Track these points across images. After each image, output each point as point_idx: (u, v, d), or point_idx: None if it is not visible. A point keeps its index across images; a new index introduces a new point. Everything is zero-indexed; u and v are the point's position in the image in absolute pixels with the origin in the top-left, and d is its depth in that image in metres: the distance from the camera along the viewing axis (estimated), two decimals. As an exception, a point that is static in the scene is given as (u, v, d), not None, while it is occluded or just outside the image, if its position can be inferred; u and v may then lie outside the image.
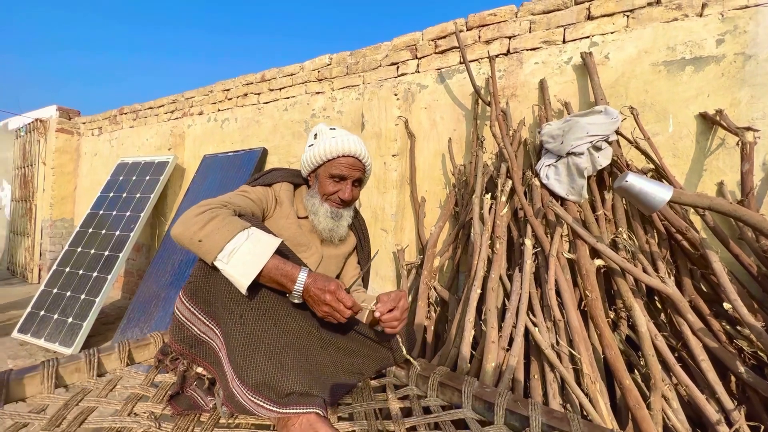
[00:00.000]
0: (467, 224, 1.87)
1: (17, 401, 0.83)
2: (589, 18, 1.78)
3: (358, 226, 1.22)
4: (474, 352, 1.36)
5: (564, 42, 1.85)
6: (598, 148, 1.53)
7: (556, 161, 1.62)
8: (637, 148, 1.59)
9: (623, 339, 1.32)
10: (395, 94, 2.26)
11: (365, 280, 1.25)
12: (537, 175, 1.68)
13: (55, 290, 3.15)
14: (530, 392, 1.22)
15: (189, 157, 3.65)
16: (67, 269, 3.27)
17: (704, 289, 1.39)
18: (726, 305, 1.16)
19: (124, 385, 0.92)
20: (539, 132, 1.72)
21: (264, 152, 2.99)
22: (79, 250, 3.37)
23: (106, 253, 3.19)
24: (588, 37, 1.79)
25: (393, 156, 2.23)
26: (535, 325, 1.30)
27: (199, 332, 0.89)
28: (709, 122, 1.54)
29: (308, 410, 0.74)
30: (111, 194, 3.65)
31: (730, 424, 1.05)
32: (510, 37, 1.99)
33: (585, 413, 1.08)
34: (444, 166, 2.19)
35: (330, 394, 0.85)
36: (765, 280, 1.30)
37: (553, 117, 1.81)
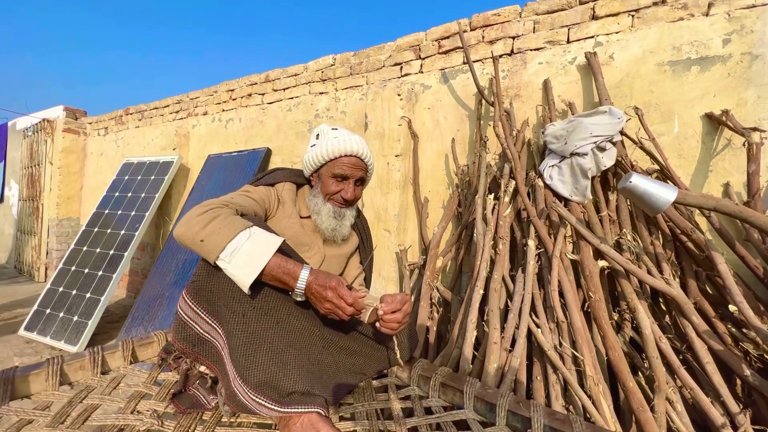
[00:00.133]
0: (470, 225, 1.87)
1: (22, 398, 0.84)
2: (594, 18, 1.77)
3: (360, 225, 1.22)
4: (476, 353, 1.36)
5: (568, 42, 1.84)
6: (602, 149, 1.52)
7: (559, 162, 1.61)
8: (642, 148, 1.58)
9: (627, 341, 1.31)
10: (399, 95, 2.26)
11: (367, 281, 1.25)
12: (540, 175, 1.67)
13: (61, 289, 3.18)
14: (533, 394, 1.22)
15: (193, 157, 3.67)
16: (73, 268, 3.29)
17: (710, 291, 1.38)
18: (732, 307, 1.15)
19: (127, 383, 0.93)
20: (543, 132, 1.72)
21: (268, 152, 3.00)
22: (84, 249, 3.40)
23: (111, 252, 3.22)
24: (592, 37, 1.78)
25: (396, 156, 2.23)
26: (537, 326, 1.29)
27: (201, 331, 0.89)
28: (715, 123, 1.52)
29: (310, 410, 0.74)
30: (116, 194, 3.68)
31: (735, 427, 1.04)
32: (514, 38, 1.99)
33: (588, 415, 1.07)
34: (447, 167, 2.18)
35: (331, 394, 0.86)
36: (771, 282, 1.28)
37: (557, 117, 1.80)
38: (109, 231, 3.40)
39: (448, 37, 2.18)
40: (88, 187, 4.80)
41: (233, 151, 3.25)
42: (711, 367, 1.12)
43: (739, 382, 1.21)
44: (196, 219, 0.81)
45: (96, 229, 3.50)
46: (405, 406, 0.92)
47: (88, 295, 3.00)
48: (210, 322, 0.87)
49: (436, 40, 2.22)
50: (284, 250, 0.86)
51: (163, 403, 0.84)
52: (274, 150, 3.00)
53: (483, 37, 2.07)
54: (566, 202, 1.59)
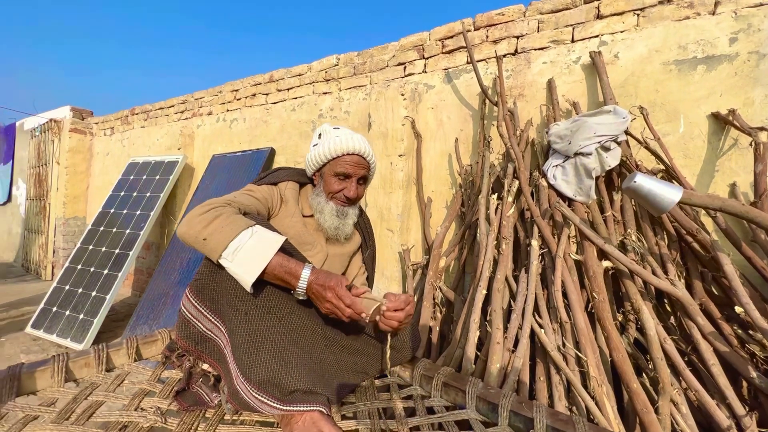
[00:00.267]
0: (473, 225, 1.86)
1: (28, 394, 0.85)
2: (599, 17, 1.76)
3: (363, 225, 1.22)
4: (479, 353, 1.36)
5: (573, 41, 1.83)
6: (606, 149, 1.51)
7: (563, 162, 1.61)
8: (647, 148, 1.57)
9: (631, 342, 1.30)
10: (402, 94, 2.26)
11: (369, 280, 1.26)
12: (544, 175, 1.66)
13: (67, 287, 3.21)
14: (535, 394, 1.21)
15: (198, 156, 3.69)
16: (79, 267, 3.33)
17: (715, 292, 1.36)
18: (738, 309, 1.14)
19: (131, 380, 0.94)
20: (547, 132, 1.71)
21: (272, 152, 3.01)
22: (90, 247, 3.43)
23: (117, 251, 3.25)
24: (597, 36, 1.77)
25: (399, 156, 2.23)
26: (541, 326, 1.29)
27: (204, 329, 0.90)
28: (721, 122, 1.51)
29: (312, 408, 0.74)
30: (122, 193, 3.72)
31: (741, 430, 1.03)
32: (518, 37, 1.98)
33: (591, 417, 1.07)
34: (450, 167, 2.18)
35: (334, 393, 0.86)
36: (779, 283, 1.27)
37: (561, 117, 1.79)
38: (114, 230, 3.43)
39: (451, 37, 2.18)
40: (94, 187, 4.84)
41: (237, 150, 3.26)
42: (716, 369, 1.11)
43: (745, 384, 1.20)
44: (199, 218, 0.82)
45: (102, 228, 3.53)
46: (407, 405, 0.92)
47: (93, 293, 3.03)
48: (213, 320, 0.87)
49: (439, 40, 2.22)
50: (287, 249, 0.87)
51: (167, 401, 0.85)
52: (278, 150, 3.01)
53: (487, 36, 2.07)
54: (570, 202, 1.58)
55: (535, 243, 1.46)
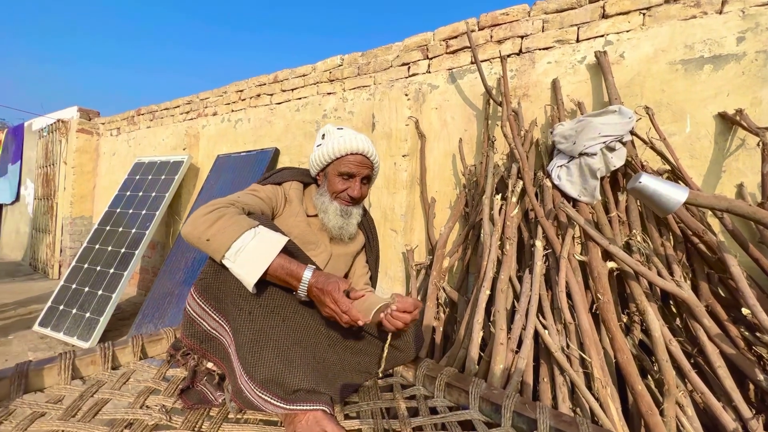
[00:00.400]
0: (477, 225, 1.86)
1: (36, 391, 0.86)
2: (604, 16, 1.75)
3: (366, 224, 1.22)
4: (482, 354, 1.35)
5: (578, 41, 1.82)
6: (611, 149, 1.50)
7: (568, 162, 1.60)
8: (653, 148, 1.56)
9: (636, 343, 1.29)
10: (406, 95, 2.26)
11: (373, 279, 1.26)
12: (548, 175, 1.66)
13: (73, 286, 3.24)
14: (539, 395, 1.21)
15: (203, 156, 3.71)
16: (86, 265, 3.36)
17: (722, 294, 1.35)
18: (744, 310, 1.13)
19: (137, 378, 0.95)
20: (551, 132, 1.70)
21: (276, 152, 3.02)
22: (96, 247, 3.46)
23: (123, 250, 3.28)
24: (602, 35, 1.76)
25: (403, 156, 2.23)
26: (545, 327, 1.28)
27: (209, 328, 0.90)
28: (728, 122, 1.50)
29: (315, 407, 0.74)
30: (128, 193, 3.75)
31: (747, 433, 1.02)
32: (522, 37, 1.97)
33: (595, 418, 1.06)
34: (454, 167, 2.18)
35: (337, 392, 0.86)
36: (786, 285, 1.25)
37: (566, 117, 1.78)
38: (120, 229, 3.46)
39: (455, 37, 2.18)
40: (101, 187, 4.89)
41: (242, 151, 3.28)
42: (723, 371, 1.10)
43: (752, 387, 1.18)
44: (203, 218, 0.82)
45: (108, 228, 3.56)
46: (410, 405, 0.92)
47: (99, 292, 3.06)
48: (217, 319, 0.88)
49: (443, 40, 2.22)
50: (290, 250, 0.87)
51: (172, 399, 0.85)
52: (282, 150, 3.02)
53: (491, 36, 2.06)
54: (575, 202, 1.57)
55: (539, 243, 1.45)
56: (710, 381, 1.17)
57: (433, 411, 0.91)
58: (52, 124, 5.05)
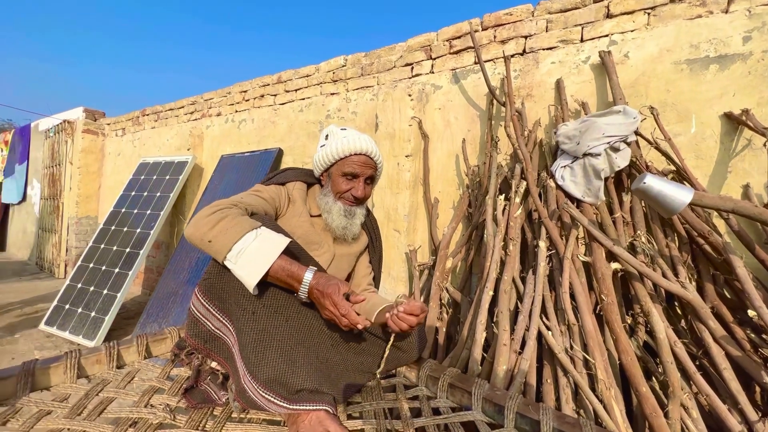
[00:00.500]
0: (480, 225, 1.86)
1: (42, 390, 0.87)
2: (608, 16, 1.75)
3: (370, 225, 1.22)
4: (485, 355, 1.35)
5: (582, 41, 1.81)
6: (615, 149, 1.49)
7: (572, 162, 1.59)
8: (658, 149, 1.55)
9: (640, 345, 1.29)
10: (409, 95, 2.26)
11: (376, 280, 1.26)
12: (552, 176, 1.65)
13: (79, 285, 3.27)
14: (542, 397, 1.20)
15: (207, 157, 3.73)
16: (91, 265, 3.39)
17: (728, 296, 1.34)
18: (751, 312, 1.12)
19: (141, 377, 0.95)
20: (555, 132, 1.70)
21: (279, 153, 3.03)
22: (102, 246, 3.49)
23: (128, 250, 3.30)
24: (607, 35, 1.75)
25: (406, 157, 2.23)
26: (548, 328, 1.28)
27: (213, 328, 0.91)
28: (734, 122, 1.48)
29: (318, 407, 0.74)
30: (133, 193, 3.77)
31: (753, 436, 1.01)
32: (526, 37, 1.97)
33: (599, 420, 1.06)
34: (458, 167, 2.17)
35: (340, 392, 0.86)
36: (793, 287, 1.24)
37: (570, 117, 1.77)
38: (125, 229, 3.49)
39: (459, 37, 2.17)
40: (106, 187, 4.92)
41: (246, 151, 3.30)
42: (728, 374, 1.09)
43: (758, 389, 1.17)
44: (205, 220, 0.83)
45: (113, 228, 3.59)
46: (413, 406, 0.92)
47: (105, 291, 3.08)
48: (221, 319, 0.89)
49: (447, 41, 2.22)
50: (292, 250, 0.87)
51: (176, 398, 0.86)
52: (286, 150, 3.03)
53: (495, 36, 2.06)
54: (578, 203, 1.57)
55: (542, 244, 1.45)
56: (716, 383, 1.16)
57: (436, 412, 0.91)
58: (58, 125, 5.10)
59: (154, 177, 3.74)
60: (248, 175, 3.06)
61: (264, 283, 0.82)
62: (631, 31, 1.70)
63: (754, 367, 1.10)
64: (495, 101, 2.00)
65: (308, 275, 0.82)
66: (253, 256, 0.80)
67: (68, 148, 4.93)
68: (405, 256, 2.19)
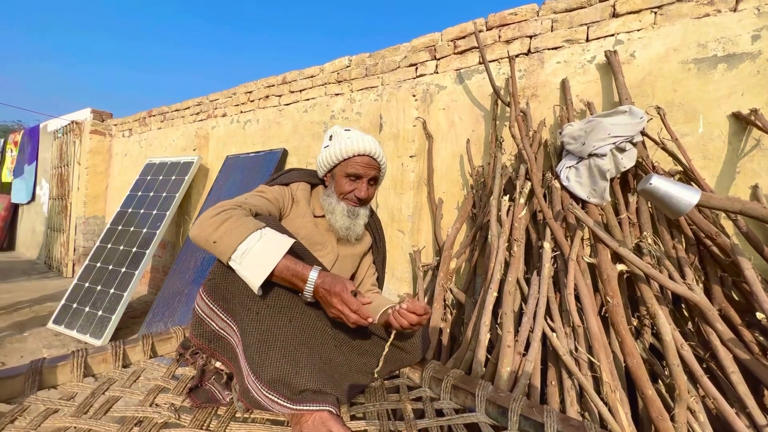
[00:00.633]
0: (485, 226, 1.85)
1: (49, 388, 0.88)
2: (614, 15, 1.73)
3: (373, 225, 1.22)
4: (489, 356, 1.35)
5: (587, 41, 1.80)
6: (621, 150, 1.48)
7: (577, 163, 1.58)
8: (664, 149, 1.53)
9: (646, 347, 1.27)
10: (413, 95, 2.26)
11: (380, 281, 1.26)
12: (557, 176, 1.64)
13: (86, 284, 3.31)
14: (546, 399, 1.20)
15: (212, 157, 3.76)
16: (98, 264, 3.42)
17: (735, 298, 1.32)
18: (759, 315, 1.10)
19: (147, 376, 0.96)
20: (560, 133, 1.69)
21: (284, 153, 3.04)
22: (109, 246, 3.53)
23: (134, 249, 3.33)
24: (613, 35, 1.74)
25: (410, 157, 2.23)
26: (552, 330, 1.27)
27: (217, 328, 0.91)
28: (742, 122, 1.46)
29: (321, 408, 0.75)
30: (139, 193, 3.81)
31: (761, 440, 1.00)
32: (531, 37, 1.96)
33: (604, 423, 1.05)
34: (462, 168, 2.17)
35: (343, 393, 0.86)
36: (803, 289, 1.22)
37: (575, 117, 1.76)
38: (132, 229, 3.52)
39: (463, 38, 2.17)
40: (113, 187, 4.98)
41: (251, 151, 3.31)
42: (736, 377, 1.08)
43: (766, 393, 1.16)
44: (210, 221, 0.83)
45: (120, 227, 3.63)
46: (416, 407, 0.92)
47: (111, 290, 3.12)
48: (225, 319, 0.89)
49: (451, 41, 2.21)
50: (296, 251, 0.88)
51: (180, 397, 0.87)
52: (291, 151, 3.04)
53: (499, 36, 2.05)
54: (584, 204, 1.56)
55: (547, 245, 1.44)
56: (723, 386, 1.14)
57: (439, 413, 0.91)
58: (66, 126, 5.16)
59: (161, 177, 3.77)
60: (253, 176, 3.07)
61: (268, 284, 0.82)
62: (638, 30, 1.69)
63: (763, 371, 1.08)
64: (499, 101, 2.00)
65: (313, 274, 0.83)
66: (257, 256, 0.80)
67: (76, 148, 4.99)
68: (409, 256, 2.18)
